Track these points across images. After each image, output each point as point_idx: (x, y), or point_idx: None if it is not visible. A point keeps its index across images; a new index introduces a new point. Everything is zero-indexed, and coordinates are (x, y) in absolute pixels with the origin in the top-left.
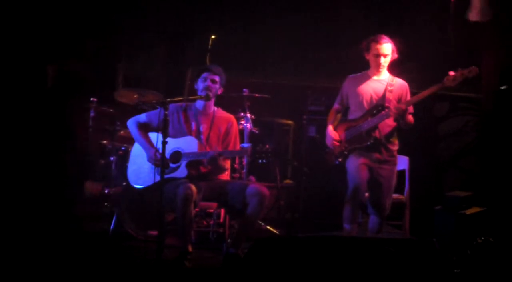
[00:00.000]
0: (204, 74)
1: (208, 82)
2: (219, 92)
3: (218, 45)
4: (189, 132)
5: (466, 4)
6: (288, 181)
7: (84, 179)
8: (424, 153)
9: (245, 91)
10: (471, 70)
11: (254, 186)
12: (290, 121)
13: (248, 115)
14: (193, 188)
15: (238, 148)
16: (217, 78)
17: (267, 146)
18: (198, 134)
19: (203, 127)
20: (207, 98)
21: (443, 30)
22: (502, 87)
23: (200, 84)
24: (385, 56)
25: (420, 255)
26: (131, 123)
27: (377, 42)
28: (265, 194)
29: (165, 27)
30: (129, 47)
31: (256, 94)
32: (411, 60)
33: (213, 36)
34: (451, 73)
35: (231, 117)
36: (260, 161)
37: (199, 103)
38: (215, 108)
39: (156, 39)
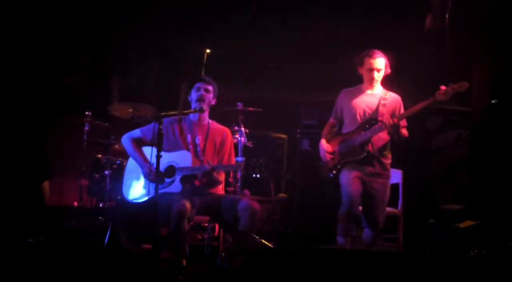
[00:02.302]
0: (197, 85)
1: (202, 92)
2: (213, 102)
3: (212, 59)
4: (185, 145)
5: (459, 19)
6: (282, 195)
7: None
8: (417, 167)
9: (239, 105)
10: (461, 85)
11: (246, 201)
12: (283, 135)
13: (242, 129)
14: (187, 204)
15: (233, 159)
16: (210, 87)
17: (260, 160)
18: (194, 146)
19: (199, 139)
20: (201, 111)
21: (437, 45)
22: (493, 101)
23: (193, 95)
24: (378, 70)
25: (412, 268)
26: (125, 139)
27: (371, 56)
28: (256, 208)
29: (159, 41)
30: (123, 61)
31: (250, 108)
32: (405, 75)
33: (207, 50)
34: (442, 87)
35: (226, 129)
36: (253, 174)
37: (194, 116)
38: (210, 120)
39: (150, 53)
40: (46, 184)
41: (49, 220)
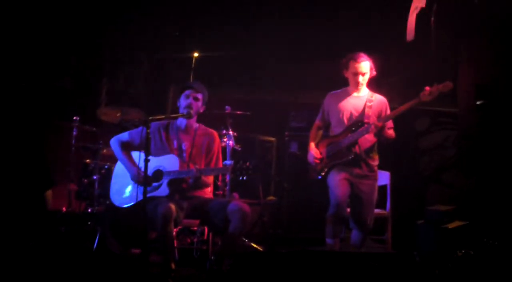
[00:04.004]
0: (187, 92)
1: (191, 100)
2: (201, 110)
3: (201, 62)
4: (171, 151)
5: (443, 22)
6: (271, 197)
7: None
8: (405, 168)
9: (228, 108)
10: (445, 85)
11: (236, 203)
12: (272, 138)
13: (231, 132)
14: (172, 206)
15: (220, 163)
16: (199, 96)
17: (248, 163)
18: (180, 152)
19: (185, 145)
20: (189, 116)
21: (424, 47)
22: (478, 103)
23: (182, 102)
24: (363, 74)
25: (401, 269)
26: (113, 142)
27: (355, 60)
28: (247, 210)
29: (147, 44)
30: (112, 65)
31: (238, 112)
32: (395, 76)
33: (196, 54)
34: (427, 88)
35: (213, 133)
36: (240, 177)
37: (181, 121)
38: (197, 125)
39: (139, 56)
40: (49, 193)
41: (39, 226)
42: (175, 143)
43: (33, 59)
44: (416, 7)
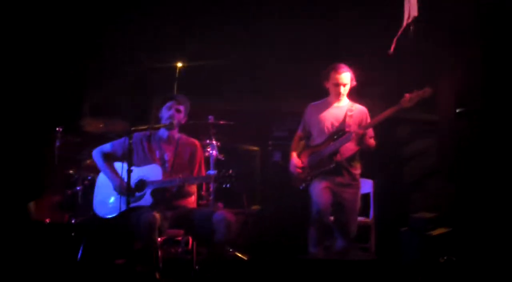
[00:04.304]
0: (169, 104)
1: (173, 112)
2: (183, 122)
3: (184, 72)
4: (154, 161)
5: (422, 30)
6: (255, 206)
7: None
8: (388, 176)
9: (211, 118)
10: (425, 91)
11: (221, 213)
12: (255, 148)
13: (214, 142)
14: (156, 215)
15: (203, 172)
16: (181, 108)
17: (230, 170)
18: (163, 163)
19: (168, 156)
20: (171, 127)
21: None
22: (458, 110)
23: (164, 113)
24: (344, 85)
25: (384, 276)
26: (96, 153)
27: (336, 71)
28: (232, 219)
29: (130, 55)
30: (95, 75)
31: (221, 122)
32: (375, 86)
33: (179, 64)
34: (407, 95)
35: (195, 142)
36: (224, 185)
37: (163, 132)
38: (179, 135)
39: (122, 67)
40: (32, 204)
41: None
42: (157, 153)
43: (17, 70)
44: (409, 17)
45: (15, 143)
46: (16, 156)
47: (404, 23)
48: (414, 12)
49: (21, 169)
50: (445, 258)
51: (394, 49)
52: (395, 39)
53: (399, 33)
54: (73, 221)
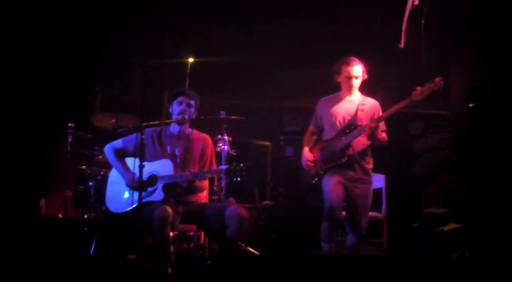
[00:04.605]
0: (180, 99)
1: (184, 106)
2: (194, 116)
3: (195, 67)
4: (165, 156)
5: (434, 24)
6: (267, 202)
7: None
8: (401, 171)
9: (222, 113)
10: (436, 83)
11: (233, 208)
12: (267, 143)
13: (226, 137)
14: (169, 209)
15: (214, 167)
16: (192, 102)
17: (241, 164)
18: (174, 158)
19: (179, 151)
20: (183, 122)
21: (415, 49)
22: (470, 105)
23: (175, 108)
24: (356, 78)
25: (395, 272)
26: (107, 149)
27: (348, 64)
28: (244, 215)
29: (142, 51)
30: (105, 71)
31: (233, 117)
32: (387, 80)
33: (191, 60)
34: (418, 88)
35: (206, 137)
36: (234, 179)
37: (174, 127)
38: (190, 130)
39: (133, 62)
40: (42, 201)
41: (35, 233)
42: (168, 148)
43: (29, 67)
44: (412, 5)
45: (26, 140)
46: (26, 153)
47: (406, 14)
48: (416, 0)
49: (30, 167)
50: (458, 253)
51: (405, 41)
52: (403, 32)
53: (404, 25)
54: (85, 217)
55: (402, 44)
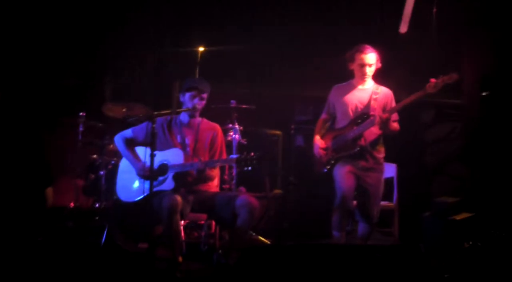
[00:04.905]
0: (193, 93)
1: (197, 101)
2: (204, 105)
3: (206, 56)
4: (175, 145)
5: (445, 13)
6: (277, 191)
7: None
8: (412, 160)
9: (233, 102)
10: (451, 76)
11: (244, 197)
12: (278, 132)
13: (236, 126)
14: (178, 198)
15: (224, 156)
16: (205, 95)
17: (252, 153)
18: (184, 147)
19: (189, 140)
20: (193, 110)
21: (426, 38)
22: (484, 94)
23: (188, 102)
24: (370, 65)
25: (406, 261)
26: (117, 139)
27: (362, 52)
28: (255, 204)
29: (152, 39)
30: (116, 60)
31: (244, 106)
32: (401, 68)
33: (201, 49)
34: (432, 80)
35: (216, 126)
36: (245, 168)
37: (184, 116)
38: (200, 119)
39: (143, 51)
40: (49, 190)
41: (47, 221)
42: (178, 137)
43: (39, 57)
44: None
45: (32, 130)
46: (32, 142)
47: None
48: None
49: (36, 155)
50: (470, 243)
51: (413, 29)
52: (407, 18)
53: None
54: (97, 205)
55: (404, 29)
